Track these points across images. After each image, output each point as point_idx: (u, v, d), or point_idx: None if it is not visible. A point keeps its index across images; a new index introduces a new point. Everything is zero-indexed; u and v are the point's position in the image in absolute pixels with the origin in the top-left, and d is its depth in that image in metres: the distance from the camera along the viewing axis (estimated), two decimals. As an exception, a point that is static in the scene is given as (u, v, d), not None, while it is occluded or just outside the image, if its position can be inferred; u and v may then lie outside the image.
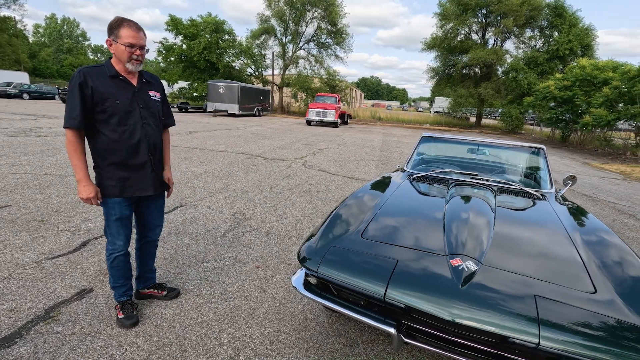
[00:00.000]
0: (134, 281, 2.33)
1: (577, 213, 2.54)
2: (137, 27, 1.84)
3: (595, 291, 1.54)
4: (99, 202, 1.94)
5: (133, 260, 2.25)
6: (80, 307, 2.22)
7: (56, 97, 28.14)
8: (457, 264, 1.66)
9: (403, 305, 1.52)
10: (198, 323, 2.17)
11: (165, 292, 2.38)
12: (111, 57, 1.90)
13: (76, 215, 3.73)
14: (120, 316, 2.09)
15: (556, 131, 20.84)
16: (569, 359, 1.30)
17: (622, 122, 14.57)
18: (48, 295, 2.31)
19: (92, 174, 1.90)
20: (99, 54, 71.13)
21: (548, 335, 1.31)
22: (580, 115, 15.98)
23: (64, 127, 1.79)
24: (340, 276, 1.68)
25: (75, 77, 1.77)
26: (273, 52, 31.74)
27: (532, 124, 29.47)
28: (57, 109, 18.46)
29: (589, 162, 12.53)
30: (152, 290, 2.37)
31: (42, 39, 62.13)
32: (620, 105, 14.42)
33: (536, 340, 1.31)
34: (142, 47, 1.87)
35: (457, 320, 1.41)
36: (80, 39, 67.78)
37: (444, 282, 1.57)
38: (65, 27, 65.06)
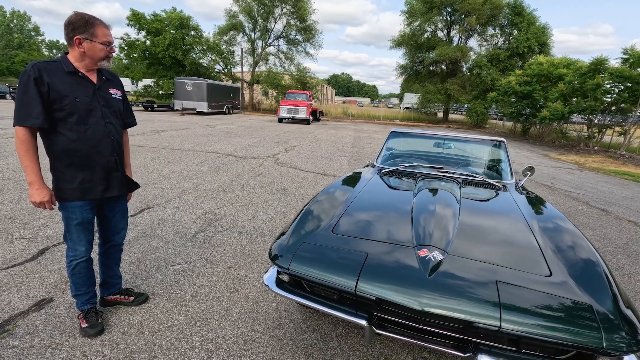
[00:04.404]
0: (97, 288, 2.23)
1: (535, 202, 2.69)
2: (107, 25, 1.83)
3: (551, 274, 1.64)
4: (53, 206, 1.83)
5: (96, 266, 2.15)
6: (39, 318, 2.10)
7: (7, 96, 26.31)
8: (424, 255, 1.71)
9: (374, 297, 1.55)
10: (168, 327, 2.11)
11: (132, 298, 2.29)
12: (67, 53, 1.80)
13: (32, 221, 3.51)
14: (84, 325, 1.99)
15: (517, 125, 21.95)
16: (527, 338, 1.38)
17: (575, 115, 15.55)
18: (2, 307, 2.16)
19: (47, 176, 1.79)
20: (54, 50, 66.71)
21: (508, 318, 1.39)
22: (539, 110, 16.90)
23: (18, 125, 1.66)
24: (311, 272, 1.69)
25: (28, 71, 1.65)
26: (242, 49, 31.15)
27: (495, 119, 30.80)
28: (7, 108, 17.20)
29: (547, 154, 13.29)
30: (118, 296, 2.28)
31: (-11, 34, 57.46)
32: (573, 99, 15.39)
33: (498, 324, 1.38)
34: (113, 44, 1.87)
35: (426, 309, 1.45)
36: (32, 33, 63.15)
37: (412, 272, 1.62)
38: (15, 20, 60.43)
